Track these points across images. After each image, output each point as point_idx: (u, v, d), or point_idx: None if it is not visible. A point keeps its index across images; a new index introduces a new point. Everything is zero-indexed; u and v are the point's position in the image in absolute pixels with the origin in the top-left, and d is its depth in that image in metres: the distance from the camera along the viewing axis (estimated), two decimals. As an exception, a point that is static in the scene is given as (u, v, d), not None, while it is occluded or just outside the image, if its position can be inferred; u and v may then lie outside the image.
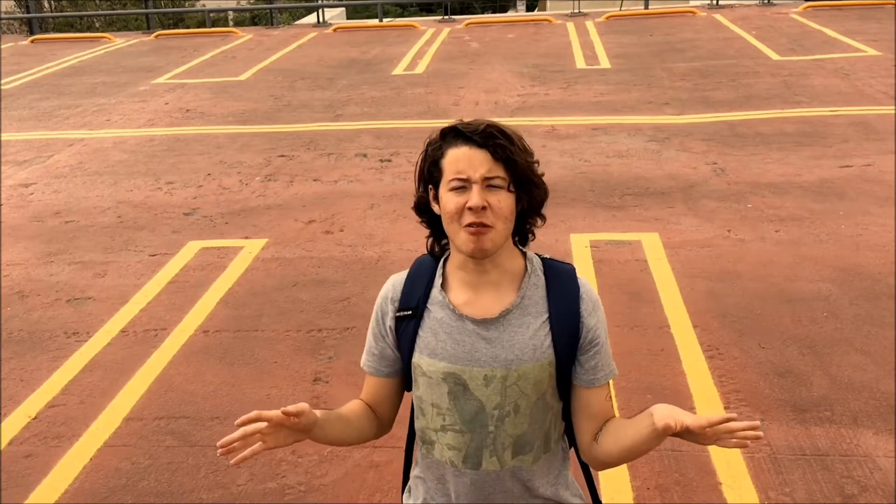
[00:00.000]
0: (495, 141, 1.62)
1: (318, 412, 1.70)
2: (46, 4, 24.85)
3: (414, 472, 1.91)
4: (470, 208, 1.60)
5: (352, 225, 6.43)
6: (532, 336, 1.70)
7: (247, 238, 6.28)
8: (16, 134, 9.87)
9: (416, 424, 1.83)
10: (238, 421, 1.57)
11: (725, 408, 3.88)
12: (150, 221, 6.75)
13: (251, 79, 12.47)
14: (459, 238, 1.65)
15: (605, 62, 12.19)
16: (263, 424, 1.57)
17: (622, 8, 18.77)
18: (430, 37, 15.51)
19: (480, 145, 1.62)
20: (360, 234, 6.22)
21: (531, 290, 1.73)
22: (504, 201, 1.63)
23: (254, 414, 1.57)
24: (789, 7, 16.34)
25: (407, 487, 1.94)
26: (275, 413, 1.59)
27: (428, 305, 1.75)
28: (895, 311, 4.67)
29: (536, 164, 1.70)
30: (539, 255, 1.79)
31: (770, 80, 10.41)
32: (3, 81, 13.20)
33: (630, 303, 4.92)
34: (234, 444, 1.56)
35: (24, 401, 4.28)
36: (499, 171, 1.62)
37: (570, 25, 15.92)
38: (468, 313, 1.71)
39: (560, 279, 1.75)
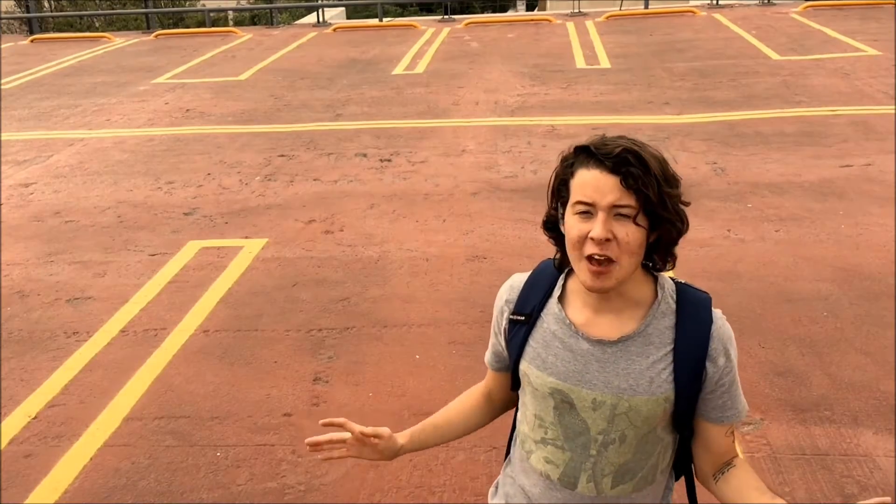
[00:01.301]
0: (629, 168, 1.48)
1: (405, 435, 1.80)
2: (46, 4, 24.86)
3: (507, 469, 1.86)
4: (592, 239, 1.50)
5: (352, 225, 6.43)
6: (650, 367, 1.59)
7: (247, 238, 6.28)
8: (16, 134, 9.87)
9: (519, 427, 1.79)
10: (323, 421, 1.72)
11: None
12: (150, 221, 6.75)
13: (251, 79, 12.47)
14: (580, 269, 1.56)
15: (604, 62, 12.19)
16: (347, 435, 1.73)
17: (622, 8, 18.77)
18: (429, 36, 15.51)
19: (611, 170, 1.49)
20: (360, 234, 6.22)
21: (658, 319, 1.61)
22: (632, 234, 1.50)
23: (340, 420, 1.72)
24: (789, 7, 16.34)
25: (495, 483, 1.91)
26: (357, 428, 1.73)
27: (542, 315, 1.67)
28: (895, 311, 4.67)
29: (678, 194, 1.56)
30: (674, 280, 1.67)
31: (770, 79, 10.41)
32: (3, 81, 13.20)
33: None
34: (322, 445, 1.72)
35: (24, 400, 4.29)
36: (629, 200, 1.49)
37: (570, 25, 15.92)
38: (585, 331, 1.62)
39: (692, 310, 1.61)
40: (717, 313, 1.63)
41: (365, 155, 8.23)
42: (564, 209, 1.58)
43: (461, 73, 11.91)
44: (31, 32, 19.46)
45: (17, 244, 6.41)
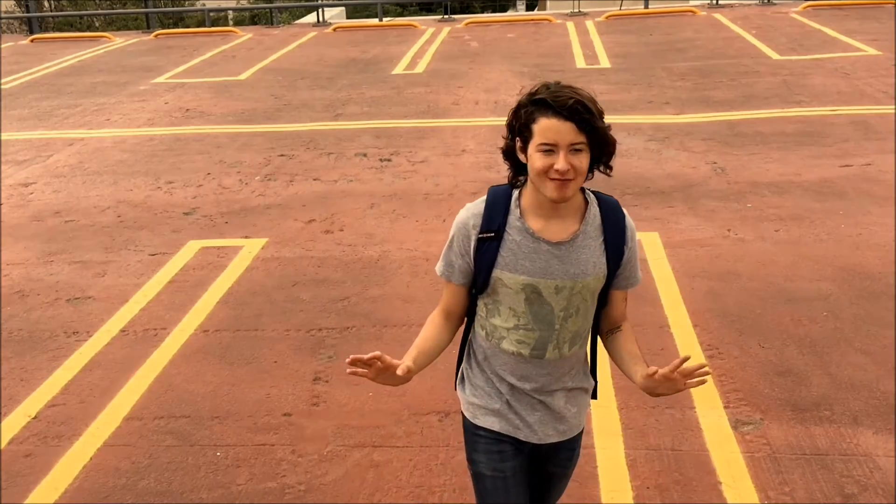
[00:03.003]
0: (581, 115, 1.97)
1: (409, 360, 2.13)
2: (46, 4, 24.86)
3: (471, 362, 2.31)
4: (557, 170, 1.98)
5: (352, 224, 6.43)
6: (592, 255, 2.14)
7: (247, 237, 6.28)
8: (16, 133, 9.87)
9: (487, 322, 2.23)
10: (367, 356, 2.03)
11: (725, 407, 3.88)
12: (150, 221, 6.75)
13: (251, 78, 12.47)
14: (546, 187, 2.03)
15: (604, 62, 12.19)
16: (377, 362, 2.05)
17: (622, 7, 18.76)
18: (429, 36, 15.51)
19: (568, 118, 1.96)
20: (360, 234, 6.22)
21: (591, 220, 2.15)
22: (584, 161, 2.01)
23: (376, 354, 2.04)
24: (789, 6, 16.34)
25: (460, 375, 2.38)
26: (388, 360, 2.06)
27: (507, 229, 2.13)
28: (895, 311, 4.67)
29: (608, 124, 2.05)
30: (590, 190, 2.18)
31: (770, 79, 10.41)
32: (3, 81, 13.20)
33: (630, 302, 4.90)
34: (358, 367, 2.04)
35: (24, 400, 4.28)
36: (581, 139, 1.98)
37: (570, 25, 15.92)
38: (543, 237, 2.11)
39: (611, 211, 2.17)
40: (625, 211, 2.20)
41: (365, 155, 8.23)
42: (525, 144, 2.04)
43: (461, 73, 11.91)
44: (31, 32, 19.46)
45: (17, 244, 6.41)
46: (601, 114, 2.04)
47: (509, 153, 2.13)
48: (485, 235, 2.13)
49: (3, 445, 3.91)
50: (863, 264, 5.28)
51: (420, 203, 6.80)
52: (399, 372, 2.06)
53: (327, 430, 3.89)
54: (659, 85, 10.48)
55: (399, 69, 12.56)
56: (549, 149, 1.98)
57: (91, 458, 3.78)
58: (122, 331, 4.97)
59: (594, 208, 2.16)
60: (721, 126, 8.51)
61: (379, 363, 2.06)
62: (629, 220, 2.20)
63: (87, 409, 4.17)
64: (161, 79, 12.76)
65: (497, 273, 2.13)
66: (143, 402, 4.21)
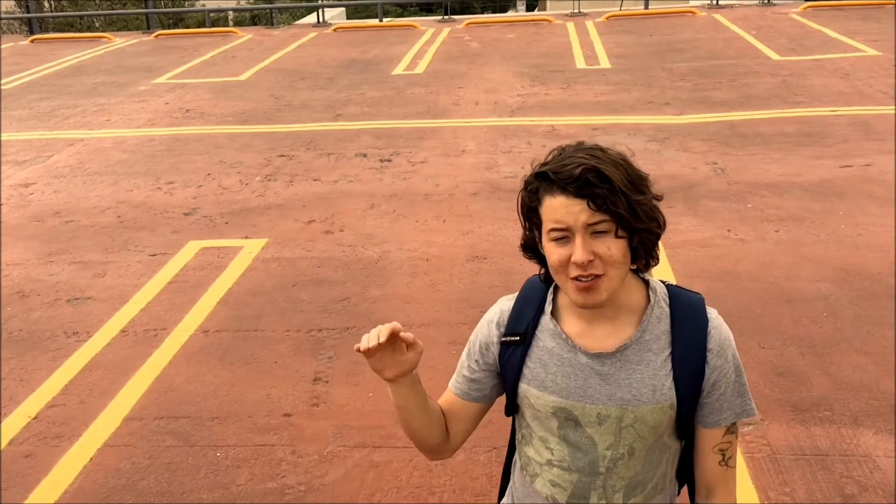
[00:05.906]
0: (593, 189, 1.43)
1: (417, 378, 1.66)
2: (46, 4, 24.87)
3: (507, 500, 1.82)
4: (575, 263, 1.46)
5: (352, 225, 6.43)
6: (652, 375, 1.55)
7: (247, 238, 6.28)
8: (16, 134, 9.87)
9: (522, 450, 1.72)
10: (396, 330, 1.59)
11: (725, 408, 3.88)
12: (150, 221, 6.75)
13: (251, 79, 12.47)
14: (569, 289, 1.52)
15: (605, 62, 12.19)
16: (384, 340, 1.54)
17: (622, 8, 18.77)
18: (430, 37, 15.51)
19: (576, 195, 1.45)
20: (360, 234, 6.22)
21: (653, 325, 1.57)
22: (614, 247, 1.47)
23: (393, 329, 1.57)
24: (789, 7, 16.34)
25: None
26: (407, 335, 1.59)
27: (537, 333, 1.62)
28: (895, 311, 4.67)
29: (648, 198, 1.50)
30: (665, 283, 1.64)
31: (770, 80, 10.41)
32: (3, 81, 13.20)
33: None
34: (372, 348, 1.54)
35: (24, 401, 4.28)
36: (602, 217, 1.45)
37: (570, 25, 15.92)
38: (582, 345, 1.58)
39: (686, 311, 1.58)
40: (712, 313, 1.60)
41: (365, 155, 8.23)
42: (540, 232, 1.54)
43: (461, 74, 11.91)
44: (31, 32, 19.46)
45: (17, 244, 6.41)
46: (637, 184, 1.48)
47: (530, 246, 1.61)
48: (509, 339, 1.63)
49: (3, 445, 3.92)
50: (863, 265, 5.28)
51: (420, 203, 6.80)
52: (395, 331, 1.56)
53: (327, 430, 3.89)
54: (659, 85, 10.48)
55: (399, 70, 12.57)
56: (562, 235, 1.47)
57: (91, 459, 3.78)
58: (122, 331, 4.97)
59: (661, 308, 1.58)
60: (721, 126, 8.51)
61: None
62: (717, 328, 1.58)
63: (87, 410, 4.17)
64: (161, 79, 12.76)
65: (523, 388, 1.62)
66: (143, 402, 4.22)
